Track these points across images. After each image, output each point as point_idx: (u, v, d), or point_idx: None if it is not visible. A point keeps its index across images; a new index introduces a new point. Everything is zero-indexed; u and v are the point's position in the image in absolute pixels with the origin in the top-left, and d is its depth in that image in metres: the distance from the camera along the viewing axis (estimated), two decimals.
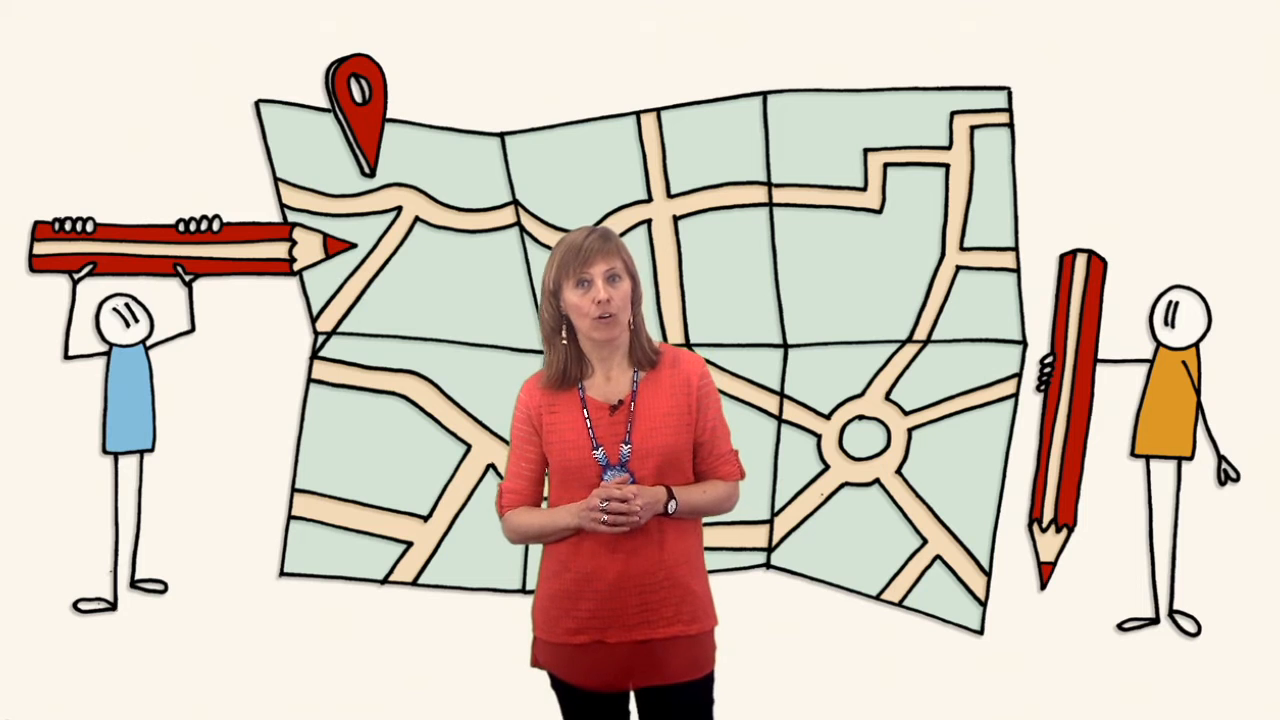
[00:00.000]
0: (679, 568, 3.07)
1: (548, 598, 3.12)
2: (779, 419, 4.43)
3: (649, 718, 3.13)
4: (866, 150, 4.42)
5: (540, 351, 4.36)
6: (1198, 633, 4.42)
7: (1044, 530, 4.43)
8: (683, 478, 3.09)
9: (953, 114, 4.42)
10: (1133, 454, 4.44)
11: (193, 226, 4.30)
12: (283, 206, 4.35)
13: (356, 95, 4.32)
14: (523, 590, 4.40)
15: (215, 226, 4.31)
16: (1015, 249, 4.42)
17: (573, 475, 3.06)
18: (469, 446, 4.41)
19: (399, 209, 4.39)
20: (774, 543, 4.45)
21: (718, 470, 3.15)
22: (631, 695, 3.16)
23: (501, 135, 4.40)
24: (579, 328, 3.06)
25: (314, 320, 4.37)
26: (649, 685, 3.08)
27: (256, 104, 4.32)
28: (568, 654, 3.10)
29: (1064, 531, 4.43)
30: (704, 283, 4.42)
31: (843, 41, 4.41)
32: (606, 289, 3.00)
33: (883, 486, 4.45)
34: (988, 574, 4.45)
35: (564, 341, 3.08)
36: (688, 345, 4.41)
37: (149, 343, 4.31)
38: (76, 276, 4.27)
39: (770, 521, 4.45)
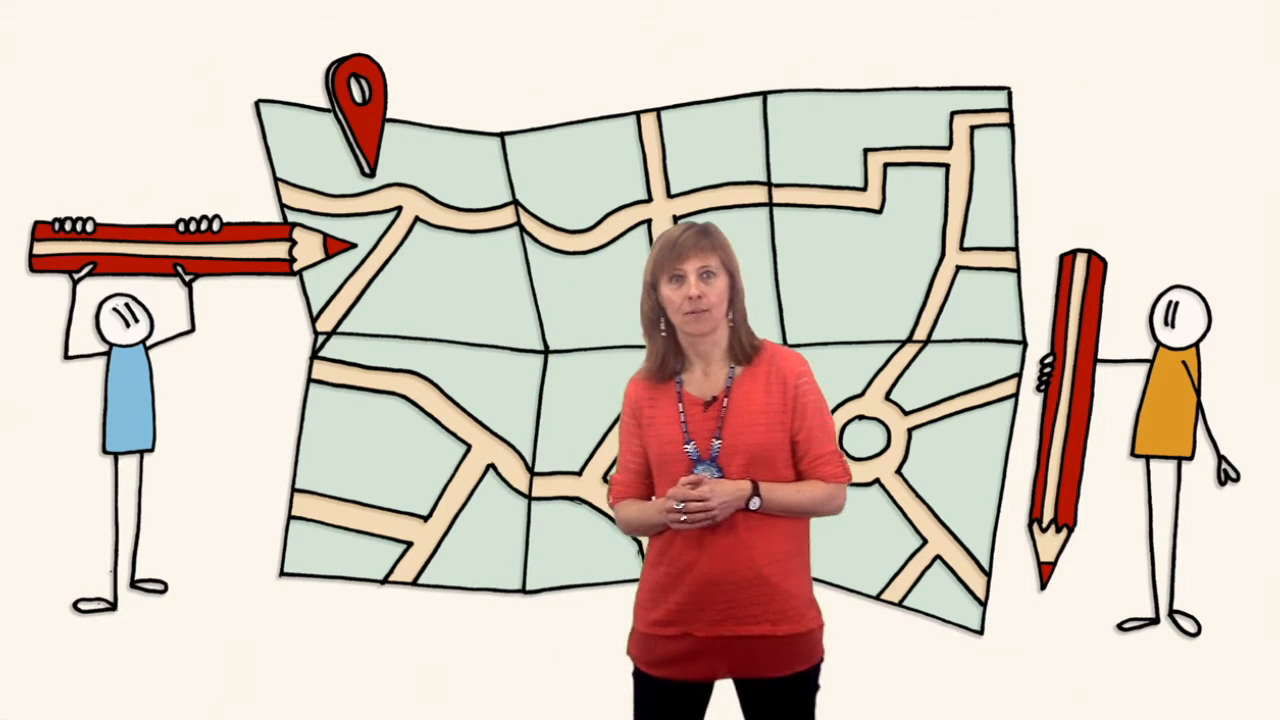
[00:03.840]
0: (768, 567, 3.02)
1: (646, 588, 3.13)
2: None
3: (746, 705, 3.11)
4: (866, 150, 4.42)
5: (538, 351, 4.43)
6: (1198, 633, 4.42)
7: (1044, 530, 4.43)
8: (774, 476, 3.05)
9: (953, 114, 4.42)
10: (1133, 454, 4.44)
11: (193, 226, 4.30)
12: (283, 206, 4.35)
13: (356, 95, 4.32)
14: (523, 590, 4.40)
15: (215, 226, 4.31)
16: (1015, 249, 4.42)
17: (667, 468, 3.06)
18: (469, 446, 4.41)
19: (399, 209, 4.39)
20: None
21: (818, 470, 3.09)
22: (712, 691, 3.13)
23: (501, 135, 4.40)
24: (673, 321, 3.08)
25: (314, 320, 4.37)
26: (739, 676, 3.06)
27: (256, 104, 4.32)
28: (652, 644, 3.09)
29: (1064, 531, 4.43)
30: None
31: (843, 41, 4.41)
32: (699, 285, 3.02)
33: (883, 486, 4.44)
34: (988, 574, 4.45)
35: (663, 334, 3.10)
36: None
37: (149, 343, 4.32)
38: (76, 276, 4.27)
39: None
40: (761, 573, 3.02)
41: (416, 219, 4.40)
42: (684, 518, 2.97)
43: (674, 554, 3.05)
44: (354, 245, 4.38)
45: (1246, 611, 4.45)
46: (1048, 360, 4.43)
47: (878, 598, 4.45)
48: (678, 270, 3.04)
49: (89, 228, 4.27)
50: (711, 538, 3.01)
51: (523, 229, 4.42)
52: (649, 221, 4.42)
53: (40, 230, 4.27)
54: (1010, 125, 4.42)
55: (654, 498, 3.16)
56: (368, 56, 4.33)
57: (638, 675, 3.15)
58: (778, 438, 3.06)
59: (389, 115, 4.36)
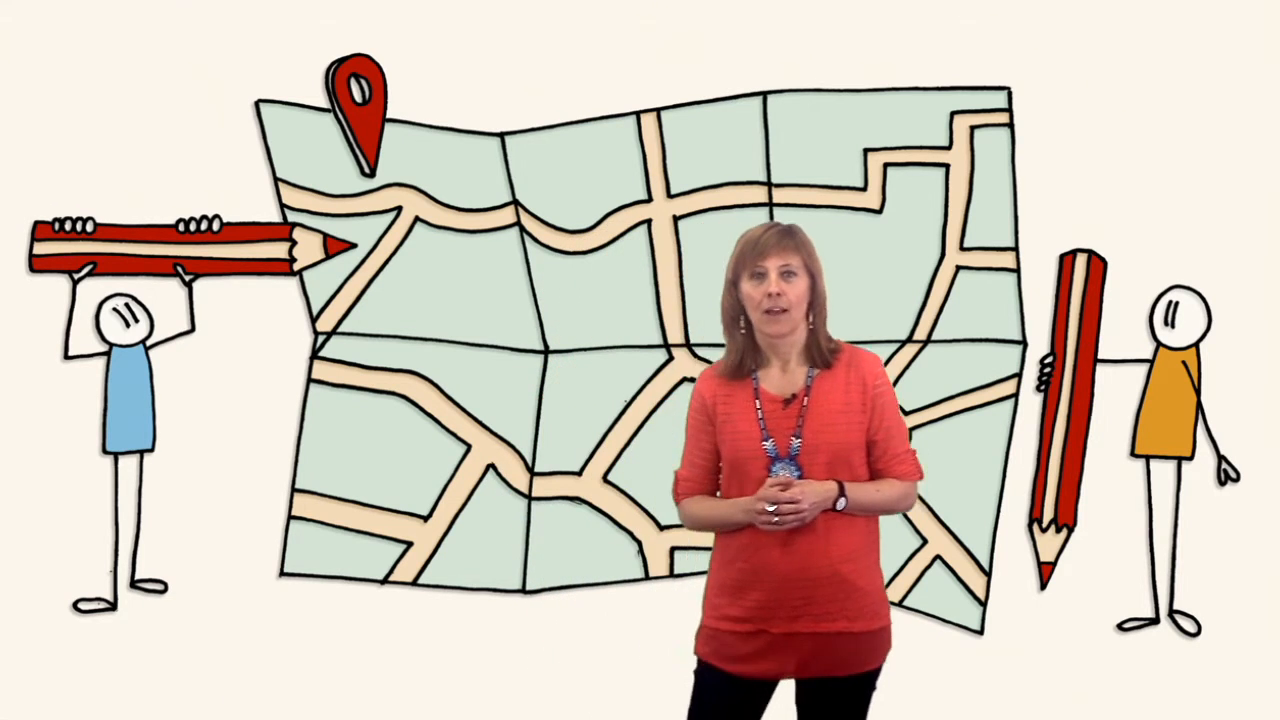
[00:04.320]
0: (844, 565, 3.05)
1: (718, 586, 3.14)
2: None
3: (805, 705, 3.13)
4: (866, 150, 4.42)
5: (538, 351, 4.43)
6: (1198, 633, 4.42)
7: (1044, 530, 4.43)
8: (851, 475, 3.08)
9: (953, 114, 4.42)
10: (1133, 454, 4.44)
11: (193, 226, 4.30)
12: (283, 206, 4.35)
13: (356, 95, 4.32)
14: (523, 590, 4.40)
15: (215, 226, 4.31)
16: (1015, 249, 4.42)
17: (742, 465, 3.08)
18: (469, 446, 4.41)
19: (399, 209, 4.39)
20: None
21: (893, 469, 3.13)
22: (774, 692, 3.15)
23: (501, 135, 4.40)
24: (752, 320, 3.11)
25: (314, 320, 4.37)
26: (807, 676, 3.07)
27: (256, 104, 4.32)
28: (726, 640, 3.10)
29: (1064, 531, 4.43)
30: (704, 283, 4.41)
31: (843, 41, 4.41)
32: (779, 283, 3.05)
33: None
34: (988, 574, 4.45)
35: (742, 331, 3.13)
36: (687, 345, 4.41)
37: (149, 343, 4.32)
38: (76, 276, 4.27)
39: None
40: (838, 570, 3.05)
41: (416, 219, 4.40)
42: (776, 519, 2.98)
43: (750, 552, 3.06)
44: (354, 245, 4.38)
45: (1246, 611, 4.45)
46: (1048, 360, 4.43)
47: None
48: (759, 267, 3.08)
49: (89, 228, 4.27)
50: (789, 535, 3.03)
51: (523, 229, 4.42)
52: (649, 221, 4.43)
53: (40, 230, 4.27)
54: (1010, 125, 4.42)
55: (718, 493, 3.18)
56: (368, 56, 4.33)
57: (703, 671, 3.15)
58: (856, 437, 3.09)
59: (389, 115, 4.36)
